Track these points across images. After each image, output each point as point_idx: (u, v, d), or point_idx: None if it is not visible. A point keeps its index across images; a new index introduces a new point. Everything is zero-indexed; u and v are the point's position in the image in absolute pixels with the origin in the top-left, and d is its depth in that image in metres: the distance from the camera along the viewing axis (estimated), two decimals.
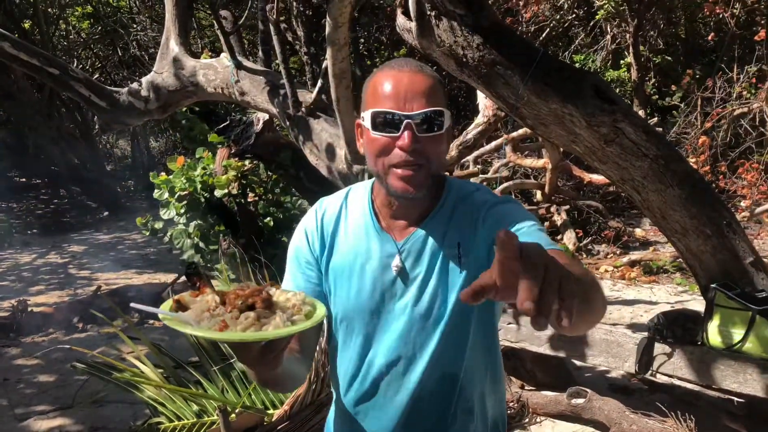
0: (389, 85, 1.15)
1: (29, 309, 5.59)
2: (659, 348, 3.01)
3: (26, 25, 12.34)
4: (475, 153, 7.17)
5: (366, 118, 1.17)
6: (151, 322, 5.41)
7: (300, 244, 1.32)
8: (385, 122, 1.14)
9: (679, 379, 3.00)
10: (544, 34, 10.41)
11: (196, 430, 2.58)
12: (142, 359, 2.87)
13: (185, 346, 3.53)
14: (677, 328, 2.93)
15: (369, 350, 1.26)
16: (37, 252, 8.98)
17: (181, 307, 0.98)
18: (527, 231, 1.17)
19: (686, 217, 2.78)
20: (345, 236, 1.28)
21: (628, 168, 2.83)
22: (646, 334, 3.11)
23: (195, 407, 2.68)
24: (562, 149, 6.68)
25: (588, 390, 3.27)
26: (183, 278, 5.39)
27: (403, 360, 1.23)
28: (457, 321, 1.21)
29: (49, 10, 13.46)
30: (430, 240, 1.23)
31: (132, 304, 0.99)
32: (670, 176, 2.76)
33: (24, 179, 14.53)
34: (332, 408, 1.41)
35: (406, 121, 1.12)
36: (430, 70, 1.20)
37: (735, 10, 8.64)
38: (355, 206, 1.30)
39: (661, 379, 3.14)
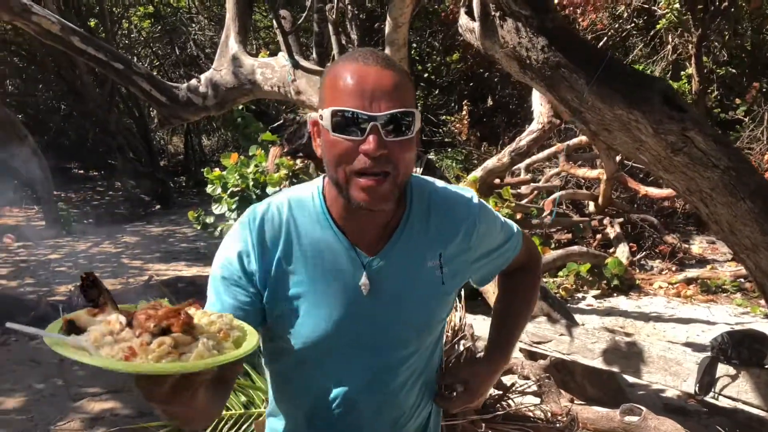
0: (353, 80, 1.00)
1: None
2: (722, 369, 2.88)
3: (92, 24, 12.78)
4: (527, 160, 7.07)
5: (325, 117, 1.01)
6: None
7: (228, 263, 1.11)
8: (347, 123, 0.99)
9: (743, 403, 2.85)
10: (601, 44, 10.20)
11: (243, 422, 2.58)
12: None
13: None
14: (743, 350, 2.80)
15: (339, 374, 1.16)
16: (93, 241, 9.26)
17: (74, 328, 0.79)
18: (503, 250, 1.29)
19: (757, 233, 2.65)
20: (301, 254, 1.10)
21: (695, 179, 2.72)
22: (707, 353, 2.98)
23: (243, 398, 2.68)
24: (618, 159, 6.51)
25: (643, 408, 3.15)
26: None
27: (379, 377, 1.17)
28: (432, 328, 1.21)
29: (114, 9, 13.93)
30: (407, 254, 1.13)
31: (9, 324, 0.77)
32: (742, 189, 2.64)
33: (82, 171, 15.04)
34: (278, 423, 1.27)
35: (372, 123, 0.98)
36: (399, 64, 1.07)
37: None
38: (304, 217, 1.12)
39: (722, 402, 2.99)
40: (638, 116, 2.62)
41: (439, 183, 1.22)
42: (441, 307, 1.20)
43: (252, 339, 0.86)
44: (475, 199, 1.21)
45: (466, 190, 1.24)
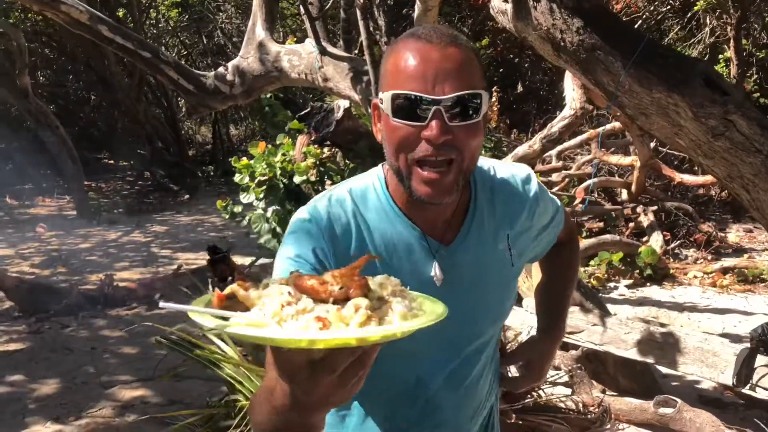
0: (415, 60, 0.93)
1: (115, 283, 5.83)
2: (762, 360, 2.78)
3: (120, 13, 12.90)
4: (559, 147, 6.93)
5: (385, 101, 0.96)
6: None
7: (303, 258, 0.99)
8: (408, 107, 0.93)
9: None
10: (635, 27, 9.96)
11: None
12: (223, 337, 2.90)
13: None
14: None
15: (418, 371, 1.11)
16: (122, 230, 9.39)
17: (235, 304, 0.64)
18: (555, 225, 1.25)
19: None
20: (374, 250, 1.04)
21: (737, 164, 2.62)
22: (746, 344, 2.88)
23: None
24: (652, 146, 6.35)
25: (678, 399, 3.06)
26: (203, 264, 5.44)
27: (458, 372, 1.13)
28: (505, 314, 1.20)
29: None
30: (478, 242, 1.09)
31: (162, 304, 0.64)
32: None
33: (112, 161, 15.26)
34: (345, 419, 1.17)
35: (435, 107, 0.92)
36: (465, 40, 0.99)
37: None
38: (370, 210, 1.05)
39: (760, 393, 2.90)
40: (678, 99, 2.52)
41: (497, 163, 1.18)
42: (511, 290, 1.19)
43: (437, 305, 0.72)
44: (533, 177, 1.18)
45: (521, 167, 1.20)
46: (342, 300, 0.64)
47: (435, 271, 1.05)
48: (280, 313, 0.61)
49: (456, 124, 0.93)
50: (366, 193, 1.07)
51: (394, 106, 0.94)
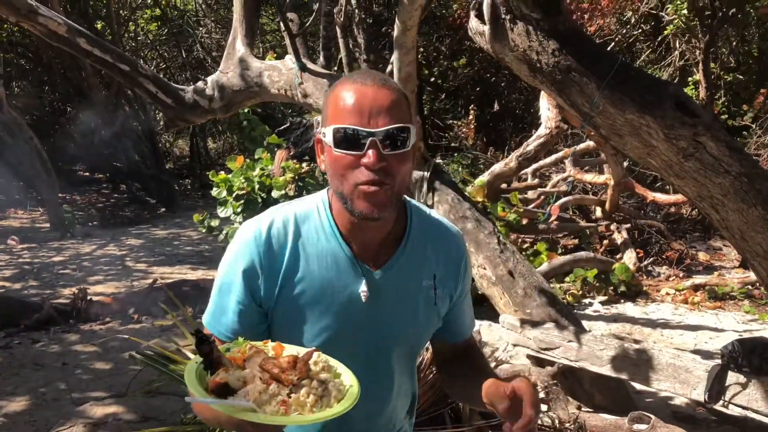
0: (352, 99, 1.08)
1: (89, 297, 5.73)
2: (733, 377, 2.84)
3: (98, 26, 12.82)
4: (534, 165, 7.03)
5: (327, 134, 1.10)
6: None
7: (231, 281, 1.17)
8: (348, 139, 1.07)
9: (754, 411, 2.81)
10: (608, 49, 10.17)
11: None
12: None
13: None
14: (755, 357, 2.76)
15: None
16: (97, 243, 9.25)
17: (225, 389, 0.95)
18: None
19: None
20: (305, 266, 1.17)
21: (706, 185, 2.69)
22: (717, 361, 2.94)
23: None
24: (625, 165, 6.48)
25: (651, 416, 3.11)
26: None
27: (372, 385, 1.21)
28: (420, 346, 1.30)
29: (121, 11, 13.97)
30: (407, 270, 1.21)
31: (187, 398, 0.98)
32: (754, 195, 2.61)
33: (87, 173, 15.05)
34: None
35: (371, 138, 1.06)
36: (395, 83, 1.15)
37: None
38: (311, 230, 1.19)
39: (732, 410, 2.95)
40: (650, 121, 2.59)
41: (433, 212, 1.33)
42: (431, 328, 1.28)
43: (355, 385, 1.01)
44: (463, 239, 1.32)
45: (452, 225, 1.33)
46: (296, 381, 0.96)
47: (363, 287, 1.17)
48: (259, 399, 0.93)
49: (389, 153, 1.07)
50: (309, 215, 1.20)
51: (336, 139, 1.08)
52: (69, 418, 3.69)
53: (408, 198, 1.26)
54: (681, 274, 6.83)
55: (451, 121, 11.76)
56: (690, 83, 9.83)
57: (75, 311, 5.50)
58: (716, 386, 2.85)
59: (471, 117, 10.39)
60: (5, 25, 11.61)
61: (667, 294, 6.28)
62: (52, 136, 13.33)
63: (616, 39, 10.18)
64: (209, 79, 4.98)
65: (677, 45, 9.74)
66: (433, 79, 12.37)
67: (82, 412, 3.75)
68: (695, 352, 4.62)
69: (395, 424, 1.33)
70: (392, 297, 1.19)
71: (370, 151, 1.06)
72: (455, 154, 11.11)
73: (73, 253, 8.61)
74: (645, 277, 6.81)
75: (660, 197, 6.83)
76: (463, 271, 1.29)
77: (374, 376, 1.22)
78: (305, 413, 0.93)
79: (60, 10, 9.11)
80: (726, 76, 10.03)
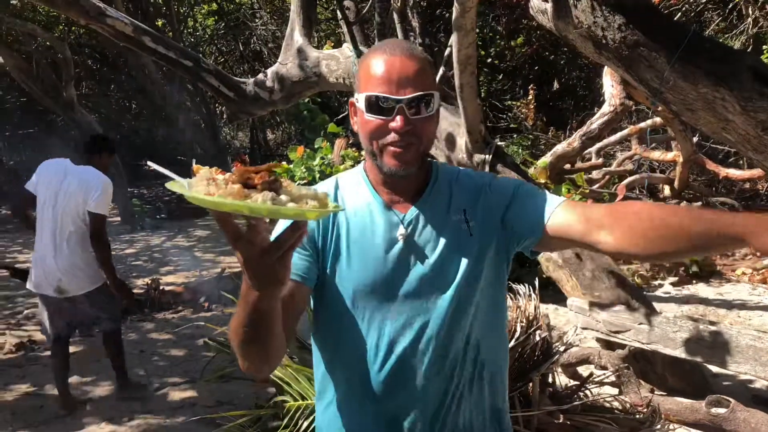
0: (382, 68, 1.19)
1: (161, 287, 5.97)
2: None
3: (159, 23, 13.20)
4: (598, 144, 6.83)
5: (360, 101, 1.21)
6: None
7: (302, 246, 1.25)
8: (378, 105, 1.18)
9: None
10: (674, 19, 9.75)
11: (299, 414, 2.61)
12: None
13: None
14: None
15: (386, 324, 1.26)
16: (166, 235, 9.61)
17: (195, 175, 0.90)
18: (541, 199, 1.26)
19: None
20: (347, 218, 1.30)
21: None
22: None
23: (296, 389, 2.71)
24: (695, 140, 6.22)
25: (731, 399, 3.00)
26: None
27: (420, 326, 1.25)
28: (469, 281, 1.26)
29: (180, 8, 14.34)
30: (435, 209, 1.29)
31: (149, 162, 0.99)
32: None
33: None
34: (328, 407, 1.34)
35: (398, 105, 1.17)
36: (420, 51, 1.24)
37: None
38: (350, 190, 1.33)
39: None
40: (725, 94, 2.48)
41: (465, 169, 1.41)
42: (471, 257, 1.26)
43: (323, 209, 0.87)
44: (490, 175, 1.37)
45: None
46: (244, 183, 0.86)
47: (400, 230, 1.26)
48: (195, 183, 0.85)
49: (415, 117, 1.18)
50: (349, 176, 1.36)
51: (367, 105, 1.19)
52: (149, 402, 3.87)
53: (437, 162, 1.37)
54: (758, 253, 6.53)
55: (509, 102, 11.55)
56: (765, 52, 9.31)
57: (149, 301, 5.75)
58: None
59: (530, 97, 10.16)
60: (73, 28, 12.10)
61: (743, 273, 6.02)
62: (120, 132, 13.86)
63: (683, 8, 9.73)
64: (269, 70, 5.06)
65: (749, 12, 9.23)
66: (489, 60, 12.16)
67: (162, 397, 3.93)
68: None
69: (463, 393, 1.28)
70: (425, 234, 1.27)
71: (398, 117, 1.17)
72: (515, 136, 10.91)
73: (144, 245, 8.97)
74: (718, 256, 6.54)
75: (733, 173, 6.53)
76: (487, 191, 1.30)
77: (428, 323, 1.24)
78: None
79: (123, 10, 9.43)
80: None
